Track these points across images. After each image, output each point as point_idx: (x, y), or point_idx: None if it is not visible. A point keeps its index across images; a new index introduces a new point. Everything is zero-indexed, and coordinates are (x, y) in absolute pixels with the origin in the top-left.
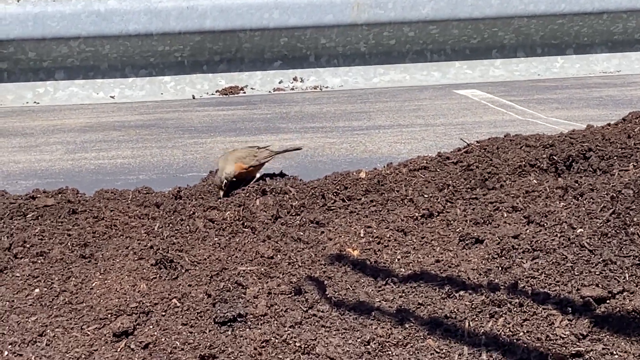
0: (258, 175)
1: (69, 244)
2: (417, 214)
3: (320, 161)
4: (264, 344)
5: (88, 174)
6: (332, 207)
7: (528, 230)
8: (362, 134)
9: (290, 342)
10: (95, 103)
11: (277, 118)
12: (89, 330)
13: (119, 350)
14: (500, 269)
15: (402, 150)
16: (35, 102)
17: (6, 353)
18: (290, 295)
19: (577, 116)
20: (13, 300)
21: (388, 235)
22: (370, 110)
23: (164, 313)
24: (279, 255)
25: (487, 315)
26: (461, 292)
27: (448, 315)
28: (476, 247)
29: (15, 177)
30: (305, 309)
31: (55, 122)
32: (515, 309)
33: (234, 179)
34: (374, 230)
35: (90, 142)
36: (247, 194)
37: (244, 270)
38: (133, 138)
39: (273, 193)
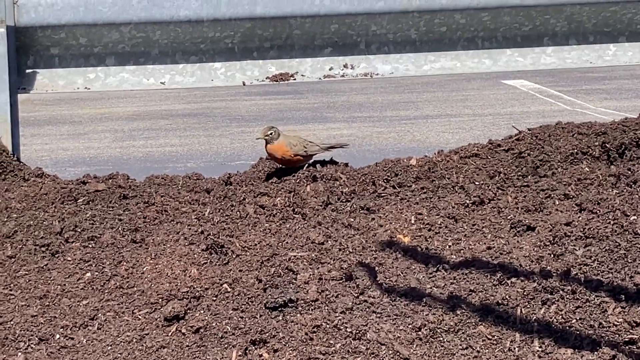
0: (305, 167)
1: (120, 228)
2: (468, 201)
3: (368, 150)
4: (315, 329)
5: (136, 162)
6: (383, 194)
7: (580, 218)
8: (410, 123)
9: (342, 327)
10: (145, 89)
11: (324, 107)
12: (140, 315)
13: (170, 334)
14: (552, 256)
15: (450, 139)
16: (86, 88)
17: (58, 336)
18: (341, 281)
19: (627, 107)
20: (64, 284)
21: (439, 222)
22: (417, 100)
23: (214, 298)
24: (329, 241)
25: (540, 302)
26: (513, 279)
27: (500, 302)
28: (528, 235)
29: (64, 164)
30: (356, 295)
31: (104, 110)
32: (567, 296)
33: (279, 161)
34: (425, 217)
35: (139, 130)
36: (297, 180)
37: (294, 256)
38: (181, 126)
39: (323, 179)
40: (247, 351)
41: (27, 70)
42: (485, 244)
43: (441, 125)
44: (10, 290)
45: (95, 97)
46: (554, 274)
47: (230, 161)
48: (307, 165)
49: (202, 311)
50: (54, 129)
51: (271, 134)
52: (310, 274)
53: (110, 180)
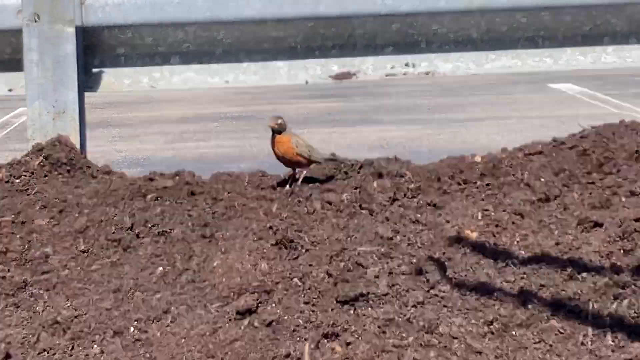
0: (305, 172)
1: (189, 224)
2: (533, 198)
3: (418, 152)
4: (387, 323)
5: (189, 163)
6: (448, 190)
7: None
8: (459, 125)
9: (414, 321)
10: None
11: (371, 110)
12: (212, 308)
13: (242, 328)
14: (622, 251)
15: (500, 141)
16: (151, 87)
17: (132, 329)
18: (411, 275)
19: None
20: (137, 278)
21: (505, 218)
22: (465, 103)
23: (285, 292)
24: (398, 237)
25: (611, 297)
26: (583, 274)
27: (571, 296)
28: (596, 231)
29: (118, 165)
30: (426, 289)
31: (154, 114)
32: None
33: (280, 156)
34: (492, 213)
35: (189, 132)
36: (363, 177)
37: (363, 251)
38: (231, 129)
39: (389, 176)
40: (319, 344)
41: (94, 70)
42: (553, 240)
43: (490, 127)
44: (84, 284)
45: (147, 101)
46: (625, 269)
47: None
48: (304, 171)
49: (273, 305)
50: (105, 131)
51: (280, 123)
52: (380, 269)
53: (176, 177)
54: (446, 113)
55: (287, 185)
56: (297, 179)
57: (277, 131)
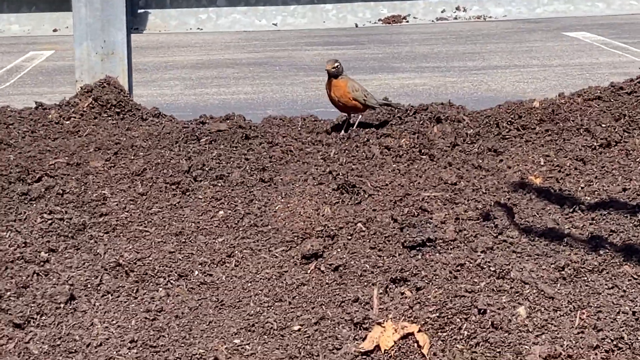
0: (360, 117)
1: (247, 168)
2: (594, 144)
3: (445, 99)
4: (458, 268)
5: (214, 108)
6: (507, 136)
7: None
8: (481, 73)
9: (485, 266)
10: (257, 30)
11: (389, 57)
12: (276, 252)
13: (309, 272)
14: None
15: (526, 89)
16: (198, 29)
17: (197, 272)
18: (478, 221)
19: None
20: (199, 222)
21: (568, 164)
22: (482, 51)
23: (349, 237)
24: (462, 182)
25: None
26: None
27: None
28: None
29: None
30: (495, 235)
31: (166, 59)
32: None
33: (334, 103)
34: (553, 159)
35: (206, 78)
36: (420, 122)
37: (428, 196)
38: (248, 75)
39: (448, 121)
40: (388, 289)
41: (139, 11)
42: (619, 185)
43: (512, 75)
44: (145, 227)
45: (164, 44)
46: None
47: (310, 108)
48: (359, 116)
49: (339, 250)
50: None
51: (337, 66)
52: (446, 214)
53: (228, 121)
54: (465, 61)
55: (342, 131)
56: (352, 124)
57: (333, 75)
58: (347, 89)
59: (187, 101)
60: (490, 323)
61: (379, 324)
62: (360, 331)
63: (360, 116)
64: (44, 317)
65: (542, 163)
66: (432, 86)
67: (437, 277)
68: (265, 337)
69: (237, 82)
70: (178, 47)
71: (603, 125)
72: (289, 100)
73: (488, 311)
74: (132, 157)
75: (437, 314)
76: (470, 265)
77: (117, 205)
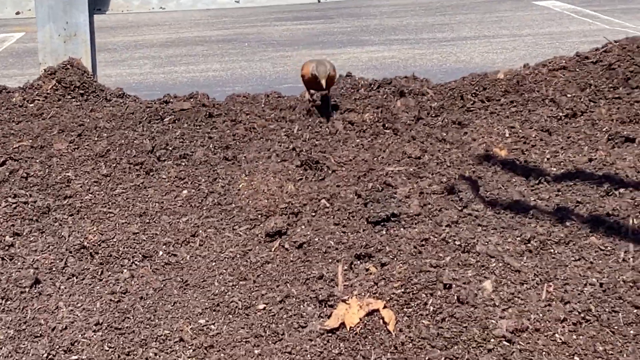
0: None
1: (210, 146)
2: (560, 114)
3: (414, 72)
4: (423, 243)
5: (183, 86)
6: (472, 108)
7: None
8: (450, 45)
9: (450, 240)
10: (220, 8)
11: (358, 31)
12: (240, 231)
13: (273, 250)
14: None
15: (495, 59)
16: (161, 8)
17: (161, 253)
18: (443, 195)
19: None
20: (162, 202)
21: (533, 135)
22: (451, 23)
23: (314, 213)
24: (426, 156)
25: None
26: (621, 190)
27: (610, 213)
28: (627, 146)
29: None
30: (459, 208)
31: (136, 38)
32: None
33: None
34: (519, 131)
35: (175, 56)
36: (384, 96)
37: (392, 171)
38: (217, 52)
39: (412, 94)
40: (352, 265)
41: None
42: (585, 155)
43: (482, 46)
44: (109, 208)
45: (126, 25)
46: None
47: (278, 84)
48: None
49: (303, 227)
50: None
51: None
52: (410, 188)
53: (191, 100)
54: (434, 33)
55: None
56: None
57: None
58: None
59: (156, 80)
60: (456, 298)
61: (344, 301)
62: (325, 308)
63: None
64: (8, 302)
65: (507, 135)
66: (400, 59)
67: (402, 252)
68: (230, 316)
69: (206, 59)
70: (147, 26)
71: (568, 96)
72: (257, 77)
73: (454, 286)
74: (96, 139)
75: (402, 290)
76: (435, 239)
77: (81, 187)
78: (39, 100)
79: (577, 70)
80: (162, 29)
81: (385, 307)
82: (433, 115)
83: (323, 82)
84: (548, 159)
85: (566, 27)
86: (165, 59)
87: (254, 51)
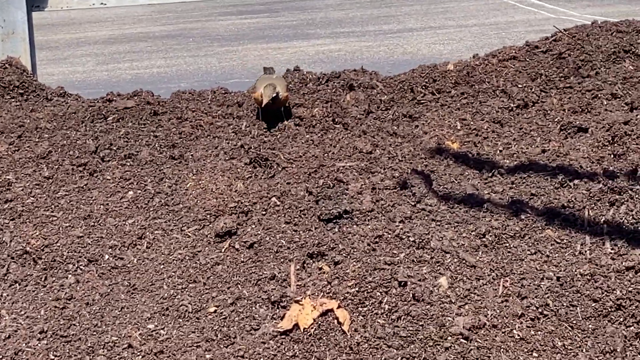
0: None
1: (156, 145)
2: (511, 105)
3: (361, 64)
4: (377, 240)
5: (127, 84)
6: (422, 101)
7: (638, 116)
8: (396, 36)
9: (404, 237)
10: (163, 3)
11: (303, 24)
12: (189, 232)
13: (223, 250)
14: (613, 156)
15: (442, 50)
16: (102, 4)
17: (107, 257)
18: (395, 190)
19: (612, 12)
20: (107, 203)
21: (485, 127)
22: (397, 14)
23: (264, 212)
24: (377, 150)
25: (607, 204)
26: (576, 181)
27: (565, 204)
28: (581, 136)
29: None
30: (413, 204)
31: (78, 35)
32: (637, 196)
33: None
34: (470, 123)
35: (119, 53)
36: (333, 90)
37: (343, 167)
38: (162, 48)
39: (361, 88)
40: (305, 265)
41: None
42: (538, 147)
43: (428, 37)
44: (52, 211)
45: (67, 23)
46: (619, 174)
47: (224, 80)
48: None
49: (253, 226)
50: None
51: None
52: (362, 184)
53: (135, 97)
54: (380, 25)
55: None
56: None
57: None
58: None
59: (99, 77)
60: (411, 296)
61: (297, 301)
62: (278, 310)
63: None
64: None
65: (458, 127)
66: (347, 52)
67: (355, 250)
68: (180, 320)
69: (150, 55)
70: (89, 23)
71: (519, 86)
72: (203, 72)
73: (409, 283)
74: (37, 140)
75: (357, 289)
76: (389, 236)
77: (22, 190)
78: None
79: (527, 60)
80: (104, 26)
81: (339, 306)
82: (383, 108)
83: (267, 101)
84: (501, 151)
85: (511, 16)
86: (108, 56)
87: (199, 46)
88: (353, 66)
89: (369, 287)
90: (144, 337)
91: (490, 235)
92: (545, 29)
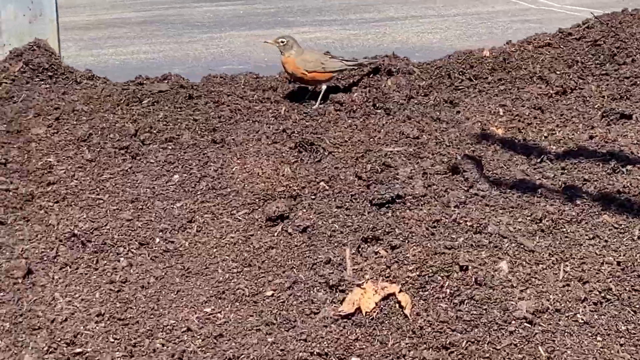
0: (324, 86)
1: (196, 129)
2: (550, 91)
3: (353, 52)
4: (435, 224)
5: (116, 69)
6: (460, 87)
7: None
8: (380, 25)
9: (461, 221)
10: None
11: (282, 12)
12: (239, 216)
13: (276, 234)
14: None
15: (432, 39)
16: None
17: (158, 240)
18: (446, 175)
19: (591, 3)
20: (154, 187)
21: (527, 113)
22: (376, 3)
23: (313, 196)
24: (424, 135)
25: None
26: (628, 167)
27: (620, 190)
28: (625, 122)
29: None
30: (465, 189)
31: None
32: None
33: (291, 79)
34: (512, 109)
35: (99, 38)
36: (370, 75)
37: (390, 151)
38: (141, 34)
39: (399, 73)
40: (360, 249)
41: None
42: (583, 133)
43: (414, 26)
44: (98, 194)
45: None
46: None
47: (216, 66)
48: (323, 86)
49: (304, 210)
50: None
51: (282, 42)
52: (412, 169)
53: (166, 81)
54: (360, 13)
55: (316, 102)
56: (319, 94)
57: (281, 51)
58: (297, 65)
59: (85, 62)
60: (474, 280)
61: (359, 285)
62: (337, 294)
63: (324, 86)
64: (1, 294)
65: (501, 113)
66: (335, 39)
67: (414, 234)
68: (237, 304)
69: (132, 41)
70: (63, 8)
71: (557, 73)
72: (192, 58)
73: (470, 267)
74: (75, 122)
75: (417, 273)
76: (446, 220)
77: (64, 173)
78: (6, 83)
79: (562, 47)
80: (78, 11)
81: (400, 290)
82: (422, 94)
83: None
84: (546, 137)
85: (491, 6)
86: (89, 42)
87: (180, 33)
88: (343, 54)
89: (430, 271)
90: (201, 320)
91: (547, 220)
92: (529, 18)
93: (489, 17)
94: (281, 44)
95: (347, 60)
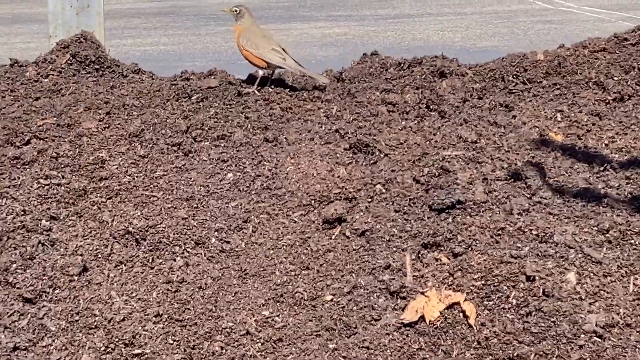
0: (260, 72)
1: (248, 127)
2: (608, 98)
3: (374, 49)
4: (499, 232)
5: (138, 61)
6: (514, 90)
7: None
8: (397, 22)
9: (525, 230)
10: None
11: (296, 6)
12: (295, 217)
13: (333, 237)
14: None
15: (454, 38)
16: None
17: (214, 240)
18: (507, 181)
19: (610, 5)
20: (207, 185)
21: (585, 120)
22: None
23: (370, 199)
24: (482, 140)
25: None
26: None
27: None
28: None
29: None
30: (528, 196)
31: None
32: None
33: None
34: (570, 115)
35: (115, 29)
36: (422, 76)
37: (448, 155)
38: (157, 25)
39: (452, 75)
40: (420, 255)
41: None
42: None
43: (432, 24)
44: (152, 191)
45: None
46: None
47: (238, 60)
48: (260, 72)
49: (361, 213)
50: (24, 27)
51: (236, 10)
52: (471, 174)
53: (213, 77)
54: (375, 9)
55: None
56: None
57: (235, 19)
58: (240, 36)
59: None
60: (541, 291)
61: (422, 293)
62: (398, 300)
63: (260, 72)
64: (57, 291)
65: (559, 119)
66: (354, 35)
67: (477, 241)
68: (296, 308)
69: (150, 32)
70: None
71: (614, 79)
72: (212, 52)
73: (537, 278)
74: (126, 117)
75: (482, 282)
76: (511, 228)
77: (117, 168)
78: (53, 75)
79: (617, 52)
80: None
81: (465, 300)
82: (476, 97)
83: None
84: (607, 144)
85: (508, 6)
86: (106, 31)
87: (197, 25)
88: (364, 50)
89: (496, 280)
90: (259, 323)
91: (615, 231)
92: (550, 19)
93: (507, 17)
94: (235, 12)
95: (301, 66)
